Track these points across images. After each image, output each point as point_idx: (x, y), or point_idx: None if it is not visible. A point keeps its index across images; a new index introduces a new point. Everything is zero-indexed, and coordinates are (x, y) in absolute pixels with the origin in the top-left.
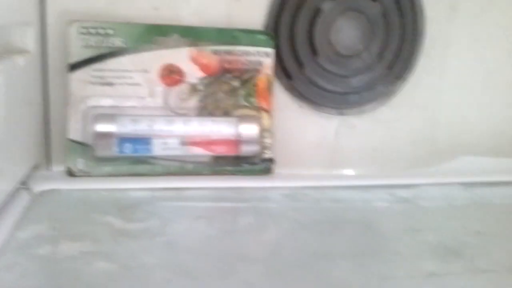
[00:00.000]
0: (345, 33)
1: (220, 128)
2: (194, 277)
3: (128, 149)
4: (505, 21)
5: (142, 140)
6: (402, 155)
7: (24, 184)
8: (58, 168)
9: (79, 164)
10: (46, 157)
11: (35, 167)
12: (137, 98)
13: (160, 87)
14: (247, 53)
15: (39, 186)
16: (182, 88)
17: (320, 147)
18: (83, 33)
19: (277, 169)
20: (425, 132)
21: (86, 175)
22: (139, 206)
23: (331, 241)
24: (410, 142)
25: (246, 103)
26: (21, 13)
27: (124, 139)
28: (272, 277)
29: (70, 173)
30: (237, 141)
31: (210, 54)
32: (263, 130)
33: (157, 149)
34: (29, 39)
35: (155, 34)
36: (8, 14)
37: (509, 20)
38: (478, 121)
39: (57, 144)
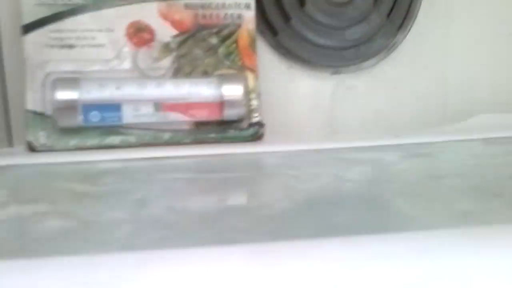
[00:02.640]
0: None
1: (199, 90)
2: (166, 227)
3: (95, 118)
4: None
5: (110, 107)
6: (409, 118)
7: None
8: (19, 141)
9: (41, 137)
10: (5, 132)
11: None
12: (102, 61)
13: (127, 48)
14: (224, 6)
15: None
16: (153, 48)
17: (315, 111)
18: None
19: (267, 135)
20: (434, 89)
21: (50, 149)
22: (108, 174)
23: (343, 193)
24: (417, 102)
25: (227, 62)
26: None
27: (89, 107)
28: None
29: (31, 148)
30: (220, 104)
31: (182, 9)
32: (248, 91)
33: (128, 116)
34: None
35: None
36: None
37: None
38: (492, 75)
39: (17, 116)
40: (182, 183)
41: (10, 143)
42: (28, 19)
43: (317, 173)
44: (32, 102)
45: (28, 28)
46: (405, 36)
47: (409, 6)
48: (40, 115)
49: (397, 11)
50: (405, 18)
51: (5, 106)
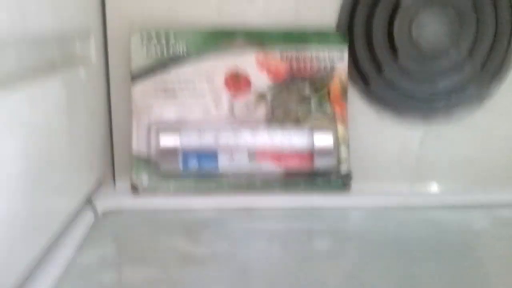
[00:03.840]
0: (429, 28)
1: (291, 140)
2: None
3: (193, 164)
4: None
5: (208, 155)
6: (499, 169)
7: (88, 201)
8: (122, 183)
9: (144, 180)
10: (110, 171)
11: (99, 182)
12: (202, 108)
13: (225, 96)
14: (318, 57)
15: (104, 205)
16: (249, 96)
17: (402, 159)
18: (144, 41)
19: (354, 184)
20: None
21: (151, 191)
22: (207, 228)
23: (424, 271)
24: (508, 152)
25: (319, 112)
26: (82, 22)
27: (189, 154)
28: None
29: (135, 190)
30: (311, 154)
31: (278, 59)
32: (338, 141)
33: (224, 164)
34: (91, 49)
35: (218, 39)
36: (69, 24)
37: None
38: None
39: (121, 157)
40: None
41: (113, 181)
42: (137, 68)
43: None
44: (138, 146)
45: (137, 76)
46: (499, 86)
47: (505, 56)
48: (143, 159)
49: (492, 61)
50: (500, 68)
51: (111, 147)
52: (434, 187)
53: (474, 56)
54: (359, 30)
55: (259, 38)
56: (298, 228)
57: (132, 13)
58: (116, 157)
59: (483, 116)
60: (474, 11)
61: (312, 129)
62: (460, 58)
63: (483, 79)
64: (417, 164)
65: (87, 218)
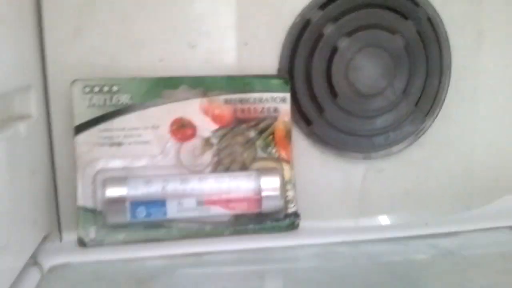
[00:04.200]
0: (366, 70)
1: (238, 184)
2: None
3: (141, 214)
4: None
5: (156, 203)
6: (437, 198)
7: (34, 258)
8: (69, 237)
9: (91, 233)
10: (56, 226)
11: (45, 238)
12: (148, 157)
13: (171, 143)
14: (261, 100)
15: (50, 260)
16: (195, 142)
17: (347, 195)
18: (86, 92)
19: (302, 222)
20: (461, 171)
21: (99, 244)
22: (157, 278)
23: None
24: (445, 183)
25: (264, 155)
26: (21, 77)
27: (136, 203)
28: None
29: (82, 243)
30: (258, 197)
31: (222, 104)
32: (285, 182)
33: (173, 211)
34: (31, 104)
35: (162, 87)
36: (7, 80)
37: None
38: None
39: (67, 211)
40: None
41: (59, 236)
42: (80, 120)
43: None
44: (83, 198)
45: (80, 128)
46: (433, 121)
47: (436, 93)
48: (90, 211)
49: (425, 99)
50: (432, 105)
51: (56, 203)
52: (376, 221)
53: (408, 94)
54: (299, 73)
55: (202, 84)
56: (249, 270)
57: (73, 64)
58: (62, 210)
59: (419, 150)
60: (407, 53)
61: (259, 173)
62: (396, 97)
63: (417, 115)
64: (360, 199)
65: (33, 277)
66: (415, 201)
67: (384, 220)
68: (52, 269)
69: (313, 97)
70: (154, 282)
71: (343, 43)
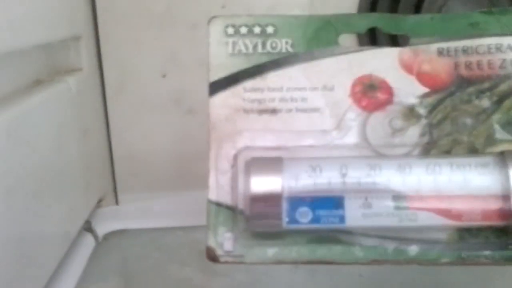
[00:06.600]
0: None
1: (467, 177)
2: None
3: (305, 218)
4: None
5: (328, 202)
6: None
7: (88, 224)
8: (125, 200)
9: (227, 243)
10: (111, 188)
11: (100, 202)
12: (317, 131)
13: (353, 113)
14: (500, 48)
15: (105, 227)
16: (392, 113)
17: None
18: (229, 34)
19: None
20: None
21: (237, 261)
22: None
23: None
24: None
25: (507, 135)
26: (69, 26)
27: (297, 201)
28: None
29: (212, 257)
30: (504, 200)
31: (434, 56)
32: None
33: (354, 216)
34: (81, 55)
35: (340, 29)
36: (54, 29)
37: None
38: None
39: (123, 172)
40: None
41: (116, 200)
42: (217, 74)
43: None
44: (216, 190)
45: (216, 86)
46: None
47: None
48: (227, 210)
49: None
50: None
51: (111, 163)
52: None
53: None
54: None
55: (401, 27)
56: None
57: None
58: (118, 172)
59: None
60: None
61: (505, 161)
62: None
63: None
64: None
65: (87, 243)
66: None
67: None
68: (108, 236)
69: None
70: None
71: None
